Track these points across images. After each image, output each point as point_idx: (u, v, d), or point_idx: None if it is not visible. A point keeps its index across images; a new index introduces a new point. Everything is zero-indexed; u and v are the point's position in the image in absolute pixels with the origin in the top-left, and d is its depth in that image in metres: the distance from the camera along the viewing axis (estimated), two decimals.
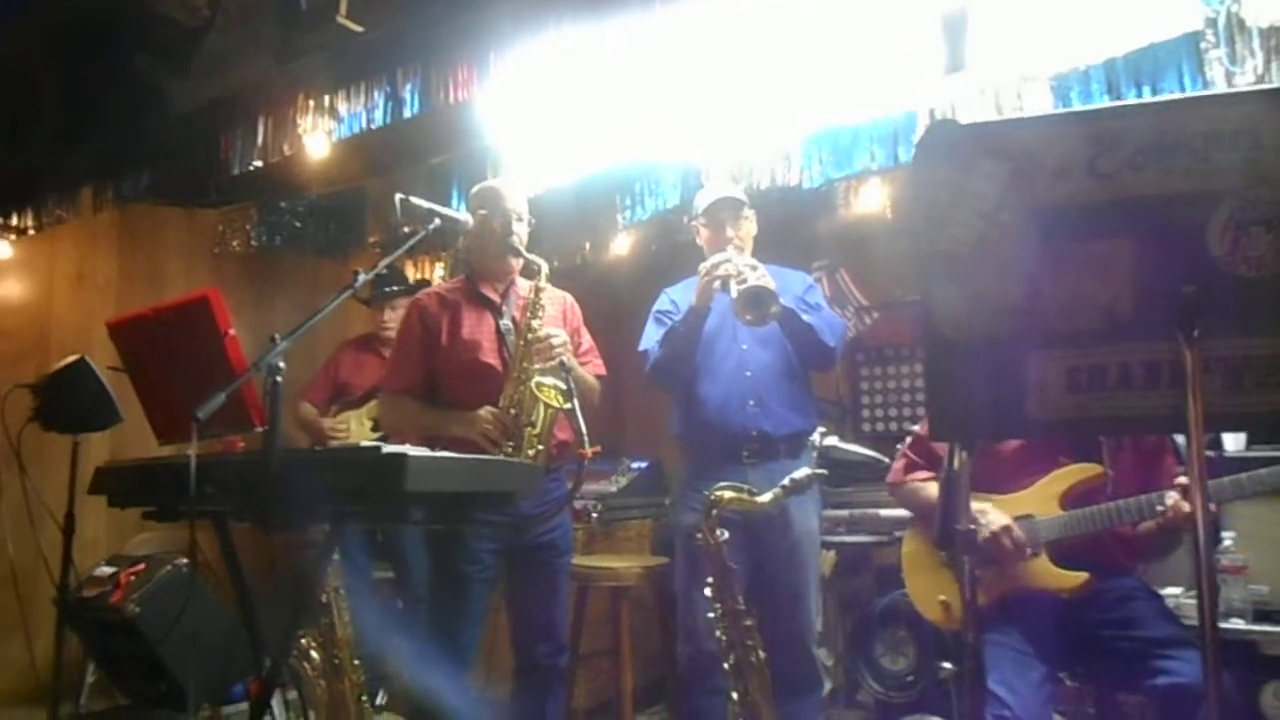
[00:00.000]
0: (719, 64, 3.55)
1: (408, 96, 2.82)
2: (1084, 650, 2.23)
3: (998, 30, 3.09)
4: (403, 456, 1.93)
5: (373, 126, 2.95)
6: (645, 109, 3.72)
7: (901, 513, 3.39)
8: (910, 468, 2.51)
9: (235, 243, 4.81)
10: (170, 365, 2.23)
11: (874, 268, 4.42)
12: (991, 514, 2.26)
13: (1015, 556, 2.24)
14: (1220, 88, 2.93)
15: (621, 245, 4.57)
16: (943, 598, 2.34)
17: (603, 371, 2.95)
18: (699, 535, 2.05)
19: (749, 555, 2.78)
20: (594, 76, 3.61)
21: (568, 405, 2.60)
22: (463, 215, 2.73)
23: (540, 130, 3.82)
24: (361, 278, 2.35)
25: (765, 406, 2.88)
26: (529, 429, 2.62)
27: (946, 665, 3.40)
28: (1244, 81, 2.93)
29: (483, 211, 2.80)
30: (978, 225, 1.10)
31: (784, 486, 2.03)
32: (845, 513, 3.37)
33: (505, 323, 2.80)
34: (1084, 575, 2.20)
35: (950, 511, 1.46)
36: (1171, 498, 2.12)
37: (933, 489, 2.42)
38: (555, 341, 2.66)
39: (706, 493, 2.03)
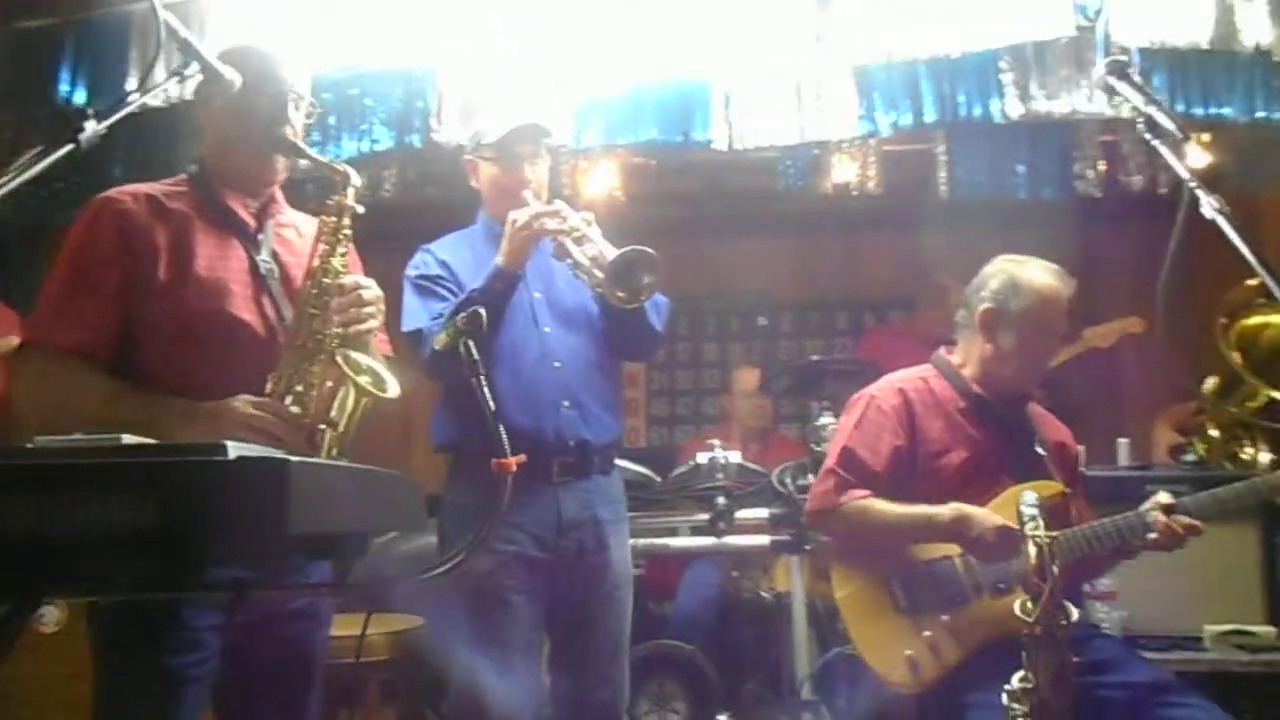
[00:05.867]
0: None
1: None
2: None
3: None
4: (282, 464, 0.96)
5: None
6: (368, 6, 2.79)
7: (689, 541, 2.91)
8: (843, 487, 1.99)
9: None
10: None
11: None
12: (976, 512, 1.89)
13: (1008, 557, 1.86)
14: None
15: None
16: (909, 652, 1.85)
17: (389, 351, 1.98)
18: (1025, 611, 1.31)
19: (549, 602, 2.20)
20: None
21: (388, 393, 1.67)
22: (229, 70, 1.61)
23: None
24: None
25: (583, 408, 2.22)
26: (328, 430, 1.62)
27: None
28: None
29: (242, 79, 1.67)
30: None
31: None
32: (634, 542, 2.75)
33: (264, 259, 1.74)
34: (1075, 611, 1.87)
35: None
36: (1156, 517, 1.88)
37: (894, 509, 1.94)
38: (367, 295, 1.70)
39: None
